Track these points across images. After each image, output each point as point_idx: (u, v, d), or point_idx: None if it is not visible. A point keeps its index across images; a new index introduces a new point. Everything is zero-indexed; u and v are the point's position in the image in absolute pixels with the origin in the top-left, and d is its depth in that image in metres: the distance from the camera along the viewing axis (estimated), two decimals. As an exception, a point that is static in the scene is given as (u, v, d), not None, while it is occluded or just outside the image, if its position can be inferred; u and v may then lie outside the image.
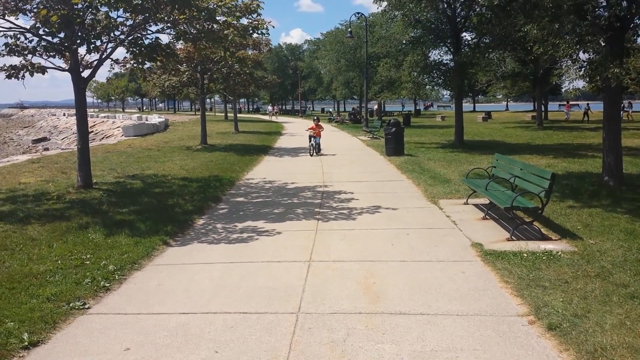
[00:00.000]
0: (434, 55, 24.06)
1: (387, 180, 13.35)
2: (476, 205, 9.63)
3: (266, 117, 62.72)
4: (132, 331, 4.69)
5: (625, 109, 40.76)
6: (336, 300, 5.32)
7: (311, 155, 19.48)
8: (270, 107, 73.38)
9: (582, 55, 10.84)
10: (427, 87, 26.89)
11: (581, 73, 10.71)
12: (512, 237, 7.37)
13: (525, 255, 6.49)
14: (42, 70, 10.88)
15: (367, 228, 8.27)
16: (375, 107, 60.29)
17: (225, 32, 12.23)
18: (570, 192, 10.48)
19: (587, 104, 45.29)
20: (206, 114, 27.08)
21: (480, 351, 4.18)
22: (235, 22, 12.21)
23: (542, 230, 7.68)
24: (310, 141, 19.99)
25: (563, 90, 61.12)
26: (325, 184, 12.91)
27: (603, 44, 10.21)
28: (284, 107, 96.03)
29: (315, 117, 21.86)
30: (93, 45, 10.91)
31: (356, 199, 10.66)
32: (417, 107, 78.96)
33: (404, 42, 22.37)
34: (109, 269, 6.25)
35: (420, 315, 4.90)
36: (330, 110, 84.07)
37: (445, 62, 23.26)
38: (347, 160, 18.01)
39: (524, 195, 8.19)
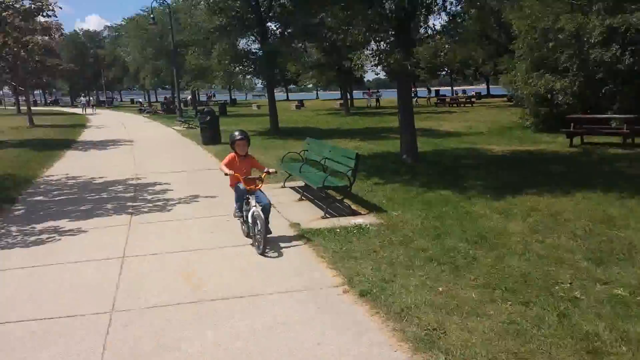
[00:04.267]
0: (243, 44, 24.01)
1: (205, 169, 13.10)
2: (293, 188, 9.91)
3: (79, 111, 52.08)
4: None
5: (371, 97, 46.33)
6: (154, 293, 5.05)
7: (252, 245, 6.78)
8: (83, 99, 63.24)
9: (375, 45, 11.73)
10: (239, 76, 26.81)
11: (375, 62, 11.59)
12: (326, 214, 7.73)
13: (338, 230, 6.85)
14: None
15: (185, 218, 8.02)
16: (189, 96, 58.79)
17: (4, 14, 10.76)
18: (375, 170, 11.35)
19: (378, 91, 49.76)
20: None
21: (302, 323, 4.30)
22: (14, 3, 10.81)
23: (351, 206, 8.20)
24: (243, 208, 6.64)
25: (365, 80, 66.33)
26: (139, 176, 12.20)
27: (392, 33, 11.12)
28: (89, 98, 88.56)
29: (239, 136, 6.72)
30: None
31: (172, 190, 10.26)
32: (232, 97, 78.90)
33: (210, 30, 21.91)
34: None
35: (242, 299, 4.87)
36: (141, 100, 79.63)
37: (254, 51, 23.41)
38: (161, 151, 17.27)
39: (334, 175, 8.63)
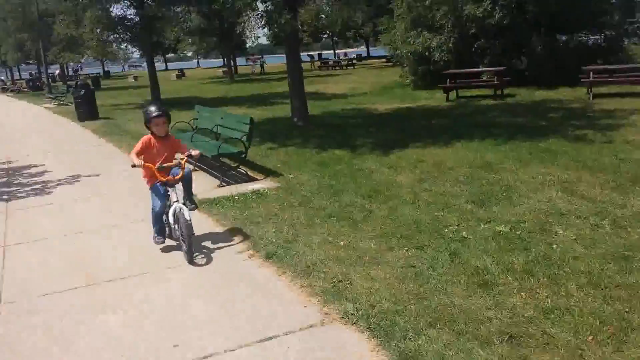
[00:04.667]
0: (117, 9, 22.57)
1: (84, 146, 12.31)
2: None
3: None
4: None
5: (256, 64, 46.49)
6: (45, 281, 4.74)
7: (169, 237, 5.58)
8: None
9: (262, 5, 11.55)
10: (114, 45, 25.24)
11: (262, 23, 11.44)
12: (223, 183, 7.64)
13: (237, 197, 6.81)
14: None
15: (69, 199, 7.54)
16: (58, 71, 54.25)
17: None
18: (268, 136, 11.33)
19: (262, 57, 49.42)
20: None
21: (210, 291, 4.28)
22: None
23: (248, 172, 8.17)
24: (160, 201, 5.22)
25: (248, 46, 65.21)
26: (9, 159, 11.20)
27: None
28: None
29: (156, 112, 5.04)
30: None
31: (50, 172, 9.55)
32: (106, 69, 74.00)
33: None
34: None
35: (142, 275, 4.72)
36: (2, 78, 72.17)
37: (130, 17, 22.08)
38: (32, 131, 15.94)
39: (228, 142, 8.50)
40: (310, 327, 3.62)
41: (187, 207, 4.95)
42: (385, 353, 3.26)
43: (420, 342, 3.31)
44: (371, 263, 4.56)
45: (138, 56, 66.24)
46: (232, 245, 5.30)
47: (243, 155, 8.02)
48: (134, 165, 4.89)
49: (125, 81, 51.50)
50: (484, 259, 4.45)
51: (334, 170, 7.94)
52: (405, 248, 4.83)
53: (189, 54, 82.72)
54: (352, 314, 3.70)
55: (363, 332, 3.50)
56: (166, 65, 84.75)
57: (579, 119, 10.85)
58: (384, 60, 46.37)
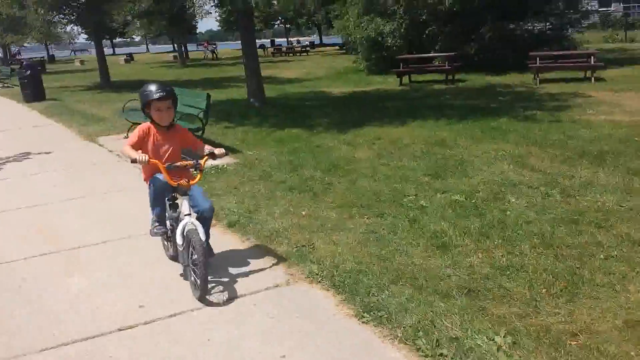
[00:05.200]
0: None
1: (33, 126, 11.86)
2: (138, 138, 9.43)
3: None
4: None
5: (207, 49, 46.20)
6: (5, 250, 4.59)
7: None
8: None
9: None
10: (60, 27, 24.29)
11: (214, 3, 11.28)
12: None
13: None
14: None
15: (21, 175, 7.28)
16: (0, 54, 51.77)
17: None
18: (224, 115, 11.23)
19: (214, 43, 48.86)
20: None
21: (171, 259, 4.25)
22: None
23: (205, 149, 8.07)
24: (166, 215, 4.03)
25: (198, 32, 64.02)
26: (-49, 139, 10.67)
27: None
28: None
29: (158, 92, 3.72)
30: None
31: (-3, 150, 9.18)
32: (50, 54, 71.05)
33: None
34: None
35: (104, 244, 4.64)
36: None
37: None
38: (-27, 112, 15.20)
39: (184, 119, 8.38)
40: (277, 286, 3.67)
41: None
42: (351, 307, 3.34)
43: (383, 297, 3.41)
44: (333, 230, 4.63)
45: (84, 39, 63.98)
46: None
47: (200, 132, 7.93)
48: (134, 161, 3.50)
49: (72, 65, 49.56)
50: (442, 224, 4.60)
51: (293, 147, 7.97)
52: (366, 216, 4.93)
53: (137, 38, 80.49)
54: (316, 274, 3.77)
55: (328, 290, 3.58)
56: (114, 50, 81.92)
57: (527, 101, 11.26)
58: (337, 47, 46.48)
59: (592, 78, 13.68)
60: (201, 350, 2.99)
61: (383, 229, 4.59)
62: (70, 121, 11.77)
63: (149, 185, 3.87)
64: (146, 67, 36.44)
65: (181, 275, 3.84)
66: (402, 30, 18.62)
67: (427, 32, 18.26)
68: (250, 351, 2.95)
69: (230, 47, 58.92)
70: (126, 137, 9.45)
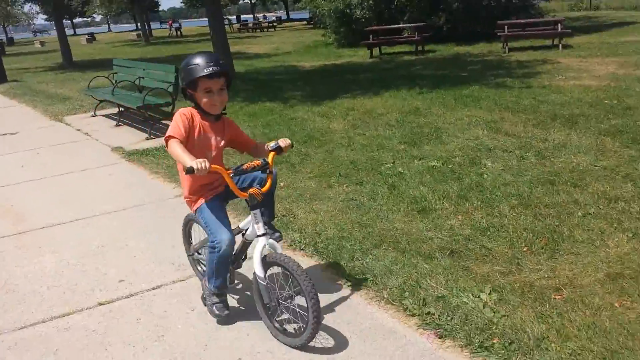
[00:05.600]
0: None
1: (-7, 108, 11.44)
2: (106, 116, 9.19)
3: None
4: None
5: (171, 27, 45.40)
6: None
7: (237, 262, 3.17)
8: None
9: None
10: (17, 6, 23.36)
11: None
12: (151, 135, 7.38)
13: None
14: None
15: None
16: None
17: None
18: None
19: (178, 21, 47.84)
20: None
21: (151, 233, 4.16)
22: None
23: (177, 125, 7.89)
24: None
25: (160, 10, 62.46)
26: None
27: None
28: None
29: (209, 66, 2.59)
30: None
31: (-42, 132, 8.83)
32: (9, 36, 68.47)
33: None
34: None
35: (76, 222, 4.51)
36: None
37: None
38: None
39: (153, 95, 8.17)
40: (259, 256, 3.62)
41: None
42: (335, 271, 3.33)
43: (367, 261, 3.40)
44: (313, 199, 4.59)
45: (43, 19, 61.79)
46: (169, 190, 5.16)
47: (170, 107, 7.75)
48: (190, 171, 2.37)
49: (32, 47, 47.86)
50: (421, 189, 4.60)
51: (267, 120, 7.86)
52: (345, 185, 4.90)
53: (98, 18, 78.17)
54: (299, 242, 3.74)
55: (312, 257, 3.55)
56: (74, 31, 79.52)
57: (498, 69, 11.32)
58: (305, 22, 45.94)
59: (560, 45, 13.82)
60: (184, 319, 2.94)
61: (363, 196, 4.57)
62: (35, 102, 11.40)
63: (198, 212, 2.79)
64: (109, 47, 35.42)
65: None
66: (370, 1, 18.44)
67: (395, 3, 18.13)
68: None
69: (194, 25, 57.64)
70: (94, 116, 9.21)
